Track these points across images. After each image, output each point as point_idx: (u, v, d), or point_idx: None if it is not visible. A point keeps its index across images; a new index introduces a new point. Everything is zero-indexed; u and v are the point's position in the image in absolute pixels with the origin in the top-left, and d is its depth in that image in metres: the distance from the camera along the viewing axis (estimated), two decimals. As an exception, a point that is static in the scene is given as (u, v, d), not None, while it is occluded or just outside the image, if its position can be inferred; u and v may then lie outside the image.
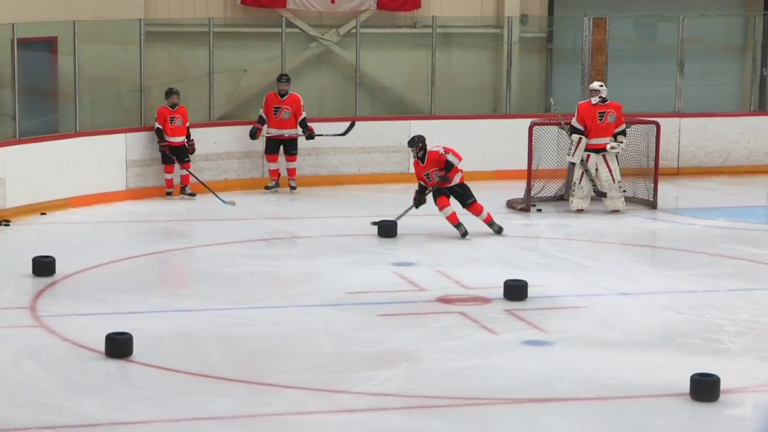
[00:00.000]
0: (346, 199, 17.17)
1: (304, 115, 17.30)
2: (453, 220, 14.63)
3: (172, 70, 18.27)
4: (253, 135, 17.24)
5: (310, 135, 17.26)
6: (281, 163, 17.38)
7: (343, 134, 17.38)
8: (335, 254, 13.72)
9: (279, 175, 17.37)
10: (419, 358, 10.06)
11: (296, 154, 17.39)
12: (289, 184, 17.43)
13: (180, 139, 16.73)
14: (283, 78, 17.40)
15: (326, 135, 17.37)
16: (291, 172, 17.43)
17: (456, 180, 14.75)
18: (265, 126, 17.28)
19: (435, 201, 14.73)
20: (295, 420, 8.76)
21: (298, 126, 17.30)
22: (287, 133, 17.28)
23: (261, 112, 17.33)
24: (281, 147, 17.33)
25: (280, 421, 8.75)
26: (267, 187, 17.28)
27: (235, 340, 10.62)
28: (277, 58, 18.31)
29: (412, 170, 18.30)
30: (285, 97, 17.28)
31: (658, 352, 10.40)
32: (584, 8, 18.67)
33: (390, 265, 13.25)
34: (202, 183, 16.73)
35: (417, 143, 14.75)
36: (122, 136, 16.85)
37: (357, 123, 17.81)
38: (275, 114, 17.25)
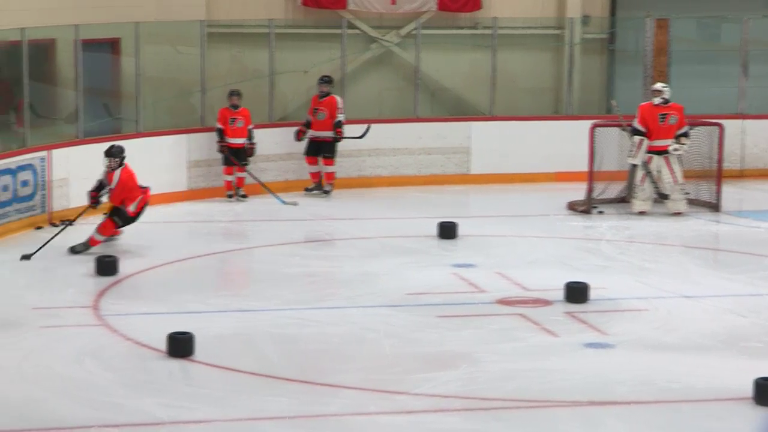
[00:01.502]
0: (406, 200, 17.16)
1: (339, 117, 17.18)
2: None
3: (232, 71, 18.36)
4: (296, 136, 17.22)
5: (336, 138, 17.20)
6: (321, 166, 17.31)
7: (360, 137, 17.27)
8: (395, 255, 13.71)
9: (320, 177, 17.31)
10: (479, 360, 10.03)
11: (332, 157, 17.19)
12: (323, 189, 17.22)
13: (240, 140, 16.77)
14: (323, 79, 17.32)
15: (347, 138, 17.27)
16: (327, 176, 17.27)
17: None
18: (310, 129, 17.25)
19: None
20: (354, 421, 8.77)
21: (333, 128, 17.22)
22: (322, 135, 17.22)
23: (308, 114, 17.33)
24: (319, 149, 17.28)
25: (339, 421, 8.76)
26: (306, 189, 17.19)
27: (295, 341, 10.65)
28: (338, 59, 18.34)
29: (473, 171, 18.43)
30: (323, 99, 17.25)
31: (720, 355, 10.31)
32: (646, 9, 18.55)
33: (449, 266, 13.23)
34: (261, 184, 16.78)
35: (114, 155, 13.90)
36: (184, 136, 16.95)
37: (417, 124, 17.76)
38: (314, 115, 17.24)
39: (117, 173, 13.71)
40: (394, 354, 10.29)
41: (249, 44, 18.61)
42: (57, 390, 9.27)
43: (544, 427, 8.71)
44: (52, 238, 13.53)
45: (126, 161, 13.80)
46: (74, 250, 13.45)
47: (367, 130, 17.29)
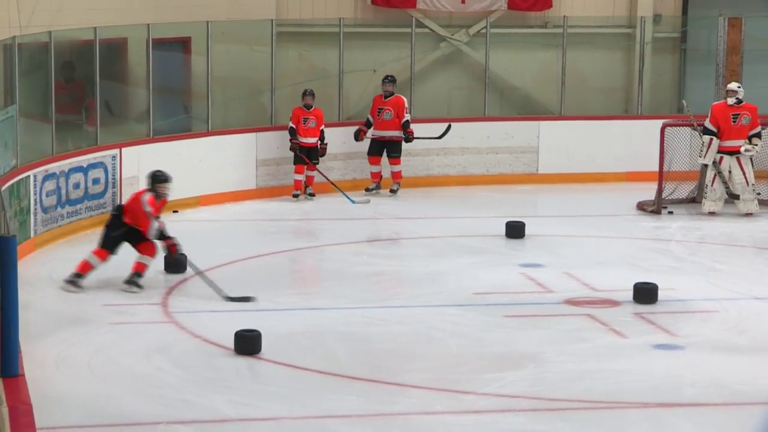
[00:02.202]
0: (474, 199, 17.11)
1: (407, 117, 17.15)
2: None
3: (302, 70, 18.42)
4: (357, 136, 17.22)
5: (408, 138, 17.17)
6: (385, 165, 17.28)
7: (440, 137, 17.23)
8: (462, 254, 13.68)
9: (380, 177, 17.30)
10: (546, 360, 9.98)
11: (398, 156, 17.18)
12: (391, 188, 17.20)
13: (312, 140, 16.81)
14: (387, 79, 17.33)
15: (423, 137, 17.25)
16: (394, 175, 17.23)
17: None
18: (371, 129, 17.26)
19: None
20: (422, 420, 8.76)
21: (402, 128, 17.21)
22: (388, 134, 17.20)
23: (369, 114, 17.32)
24: (384, 149, 17.27)
25: (406, 420, 8.76)
26: (367, 189, 17.14)
27: (362, 339, 10.66)
28: (407, 58, 18.34)
29: (542, 171, 18.34)
30: (389, 99, 17.24)
31: (792, 358, 10.19)
32: (719, 8, 18.35)
33: (517, 266, 13.18)
34: (332, 183, 16.81)
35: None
36: (253, 135, 17.03)
37: (486, 123, 17.72)
38: (378, 115, 17.23)
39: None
40: (461, 353, 10.28)
41: (318, 43, 18.66)
42: (126, 386, 9.35)
43: (611, 428, 8.66)
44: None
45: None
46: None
47: (448, 129, 17.27)
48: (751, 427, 8.07)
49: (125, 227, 12.26)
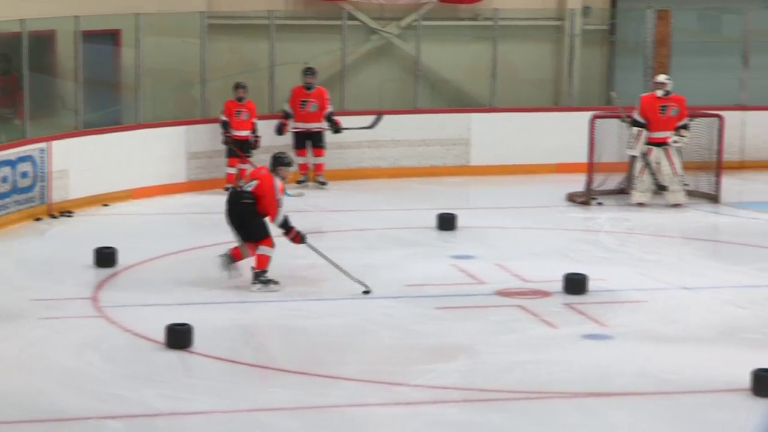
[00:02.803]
0: (406, 191, 17.15)
1: (330, 108, 17.20)
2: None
3: (233, 63, 18.35)
4: (280, 130, 17.16)
5: (336, 129, 17.18)
6: (310, 157, 17.30)
7: (370, 127, 17.24)
8: (395, 247, 13.71)
9: (308, 169, 17.30)
10: (478, 352, 10.04)
11: (324, 147, 17.22)
12: (317, 180, 17.23)
13: (246, 133, 16.77)
14: (309, 71, 17.31)
15: (353, 128, 17.26)
16: (318, 167, 17.26)
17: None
18: (292, 121, 17.23)
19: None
20: (354, 412, 8.78)
21: (325, 120, 17.23)
22: (314, 126, 17.21)
23: (286, 106, 17.26)
24: (308, 141, 17.24)
25: (339, 413, 8.77)
26: (298, 182, 17.14)
27: (295, 332, 10.66)
28: (338, 50, 18.33)
29: (473, 163, 18.41)
30: (312, 91, 17.23)
31: (720, 347, 10.32)
32: (648, 0, 18.52)
33: (449, 258, 13.23)
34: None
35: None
36: (183, 128, 16.94)
37: (417, 116, 17.78)
38: (302, 107, 17.19)
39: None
40: (394, 345, 10.31)
41: (249, 36, 18.59)
42: (56, 381, 9.28)
43: (543, 418, 8.72)
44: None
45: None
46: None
47: (378, 119, 17.26)
48: (752, 420, 8.19)
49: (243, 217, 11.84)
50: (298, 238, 11.91)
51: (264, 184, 11.78)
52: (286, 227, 11.87)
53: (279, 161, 11.96)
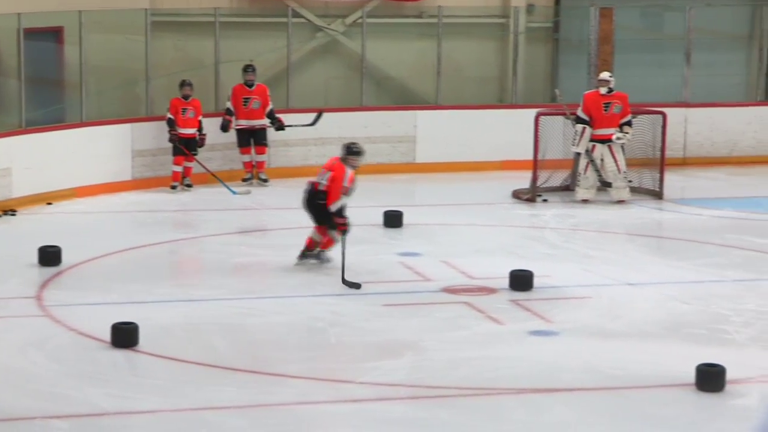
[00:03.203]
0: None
1: (271, 106, 17.17)
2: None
3: (177, 60, 18.27)
4: (225, 128, 17.10)
5: (279, 126, 17.17)
6: (254, 155, 17.25)
7: (312, 124, 17.18)
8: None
9: (253, 166, 17.27)
10: (425, 348, 10.06)
11: (266, 145, 17.21)
12: (259, 177, 17.20)
13: (191, 131, 16.72)
14: (249, 68, 17.26)
15: (295, 125, 17.23)
16: (260, 165, 17.23)
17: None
18: (234, 118, 17.19)
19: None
20: (301, 410, 8.77)
21: (266, 117, 17.20)
22: (257, 123, 17.17)
23: (228, 104, 17.20)
24: (251, 138, 17.22)
25: (286, 410, 8.76)
26: (244, 179, 17.09)
27: (241, 330, 10.63)
28: (283, 48, 18.30)
29: (419, 160, 18.45)
30: (253, 88, 17.19)
31: (664, 342, 10.40)
32: (591, -2, 18.64)
33: (395, 255, 13.25)
34: (213, 174, 16.70)
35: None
36: (128, 126, 16.85)
37: (363, 113, 17.78)
38: (245, 105, 17.15)
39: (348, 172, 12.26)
40: (340, 343, 10.31)
41: (194, 33, 18.52)
42: (0, 381, 9.19)
43: (490, 414, 8.75)
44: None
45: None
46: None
47: (319, 116, 17.22)
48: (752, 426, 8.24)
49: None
50: (345, 227, 12.20)
51: (336, 175, 12.22)
52: (339, 215, 12.22)
53: (349, 150, 12.37)
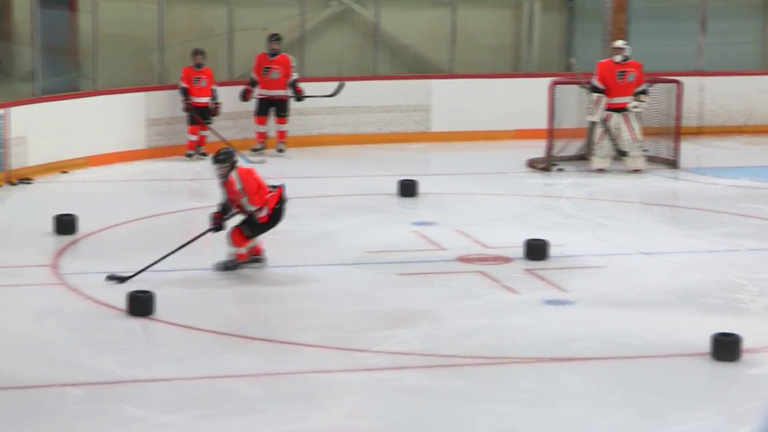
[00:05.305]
0: (366, 158, 17.15)
1: (294, 76, 17.14)
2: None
3: (191, 29, 18.23)
4: (243, 96, 17.11)
5: (299, 97, 17.14)
6: (271, 125, 17.24)
7: (332, 95, 17.16)
8: (355, 213, 13.71)
9: (265, 137, 17.24)
10: (439, 317, 10.06)
11: (286, 116, 17.18)
12: (277, 147, 17.20)
13: (204, 99, 16.71)
14: (273, 37, 17.25)
15: (315, 96, 17.21)
16: (280, 134, 17.23)
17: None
18: (257, 88, 17.16)
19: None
20: (315, 378, 8.79)
21: (288, 87, 17.17)
22: (276, 93, 17.15)
23: (252, 73, 17.20)
24: (272, 109, 17.19)
25: (301, 379, 8.78)
26: (253, 149, 17.04)
27: (256, 299, 10.65)
28: (297, 16, 18.25)
29: (433, 129, 18.43)
30: (274, 57, 17.16)
31: (679, 311, 10.39)
32: (606, -34, 18.53)
33: (410, 224, 13.25)
34: (226, 142, 16.63)
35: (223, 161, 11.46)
36: (142, 94, 16.84)
37: (377, 82, 17.74)
38: (264, 74, 17.13)
39: (235, 176, 11.32)
40: (355, 312, 10.32)
41: (207, 1, 18.47)
42: (15, 349, 9.24)
43: (503, 383, 8.76)
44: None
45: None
46: (226, 267, 11.29)
47: (341, 87, 17.18)
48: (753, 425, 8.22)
49: None
50: (218, 223, 11.29)
51: (230, 188, 11.26)
52: (223, 212, 11.35)
53: (213, 161, 11.33)
